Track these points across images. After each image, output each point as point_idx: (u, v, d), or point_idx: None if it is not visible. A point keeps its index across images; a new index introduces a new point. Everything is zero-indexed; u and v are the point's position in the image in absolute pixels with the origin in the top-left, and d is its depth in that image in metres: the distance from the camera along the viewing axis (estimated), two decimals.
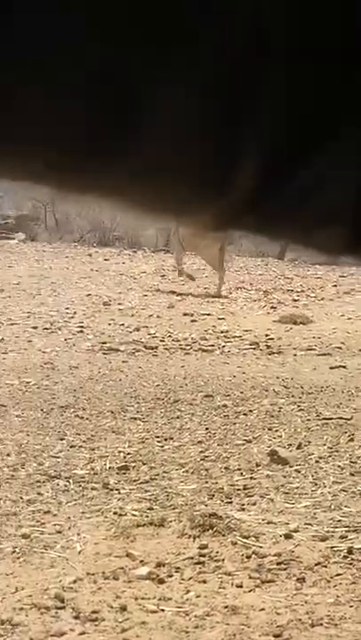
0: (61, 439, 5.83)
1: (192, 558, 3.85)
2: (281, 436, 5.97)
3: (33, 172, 0.43)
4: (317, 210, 0.48)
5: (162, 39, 0.39)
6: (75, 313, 12.48)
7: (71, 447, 5.64)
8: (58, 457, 5.39)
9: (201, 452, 5.60)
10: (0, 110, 0.39)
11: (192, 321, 12.25)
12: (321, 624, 3.33)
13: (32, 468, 5.14)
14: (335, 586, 3.66)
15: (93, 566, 3.76)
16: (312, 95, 0.42)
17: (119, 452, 5.54)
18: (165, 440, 5.89)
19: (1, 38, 0.38)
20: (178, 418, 6.56)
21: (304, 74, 0.42)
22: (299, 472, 5.13)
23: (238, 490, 4.79)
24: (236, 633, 3.20)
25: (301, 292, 15.64)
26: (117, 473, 5.08)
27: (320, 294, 15.41)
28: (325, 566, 3.85)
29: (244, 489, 4.81)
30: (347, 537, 4.15)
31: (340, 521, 4.36)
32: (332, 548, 4.03)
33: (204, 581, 3.64)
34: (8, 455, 5.38)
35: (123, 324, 11.65)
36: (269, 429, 6.17)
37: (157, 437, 5.95)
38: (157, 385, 7.82)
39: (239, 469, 5.18)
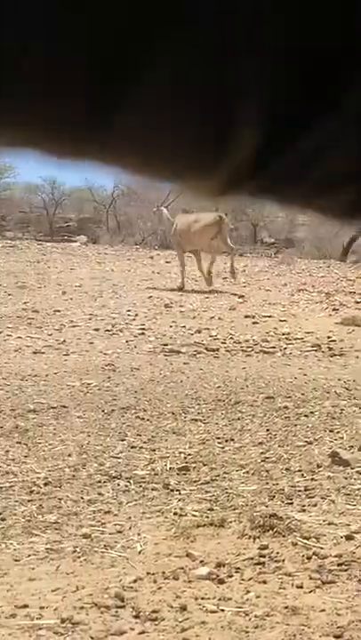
0: (122, 440, 5.86)
1: (252, 559, 3.84)
2: (342, 438, 5.93)
3: (31, 134, 0.43)
4: (321, 177, 0.48)
5: None
6: (136, 315, 12.53)
7: (132, 448, 5.66)
8: (119, 457, 5.41)
9: (262, 453, 5.58)
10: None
11: (253, 323, 12.23)
12: None
13: (93, 468, 5.16)
14: None
15: (153, 566, 3.77)
16: (312, 62, 0.42)
17: (180, 452, 5.54)
18: (226, 441, 5.89)
19: None
20: (239, 419, 6.56)
21: (305, 39, 0.41)
22: (360, 474, 5.09)
23: (299, 491, 4.77)
24: (296, 633, 3.18)
25: None
26: (178, 474, 5.08)
27: None
28: None
29: (305, 490, 4.79)
30: None
31: None
32: None
33: (265, 582, 3.63)
34: (69, 456, 5.41)
35: (184, 326, 11.67)
36: (331, 431, 6.14)
37: (218, 439, 5.95)
38: (218, 386, 7.82)
39: (300, 471, 5.16)
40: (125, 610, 3.37)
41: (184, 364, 9.13)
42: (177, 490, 4.79)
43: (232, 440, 5.92)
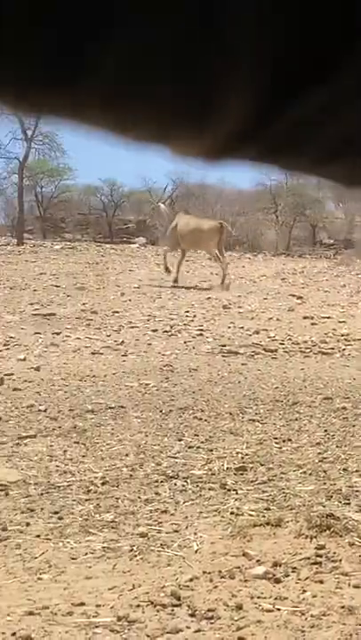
0: (180, 440, 5.87)
1: (309, 558, 3.82)
2: None
3: (6, 88, 0.42)
4: (321, 142, 0.47)
5: None
6: (194, 316, 12.55)
7: (189, 448, 5.67)
8: (176, 457, 5.42)
9: (319, 453, 5.56)
10: None
11: (312, 324, 12.19)
12: None
13: (150, 468, 5.18)
14: None
15: (210, 565, 3.77)
16: (310, 24, 0.41)
17: (237, 453, 5.54)
18: (283, 442, 5.87)
19: None
20: (296, 420, 6.54)
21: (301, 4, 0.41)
22: None
23: (357, 491, 4.74)
24: (353, 633, 3.16)
25: None
26: (235, 474, 5.08)
27: None
28: None
29: None
30: None
31: None
32: None
33: (321, 581, 3.61)
34: (127, 455, 5.44)
35: (242, 327, 11.67)
36: None
37: (275, 439, 5.94)
38: (276, 387, 7.80)
39: (358, 471, 5.13)
40: (181, 608, 3.37)
41: (242, 364, 9.13)
42: (234, 490, 4.79)
43: (289, 440, 5.90)
